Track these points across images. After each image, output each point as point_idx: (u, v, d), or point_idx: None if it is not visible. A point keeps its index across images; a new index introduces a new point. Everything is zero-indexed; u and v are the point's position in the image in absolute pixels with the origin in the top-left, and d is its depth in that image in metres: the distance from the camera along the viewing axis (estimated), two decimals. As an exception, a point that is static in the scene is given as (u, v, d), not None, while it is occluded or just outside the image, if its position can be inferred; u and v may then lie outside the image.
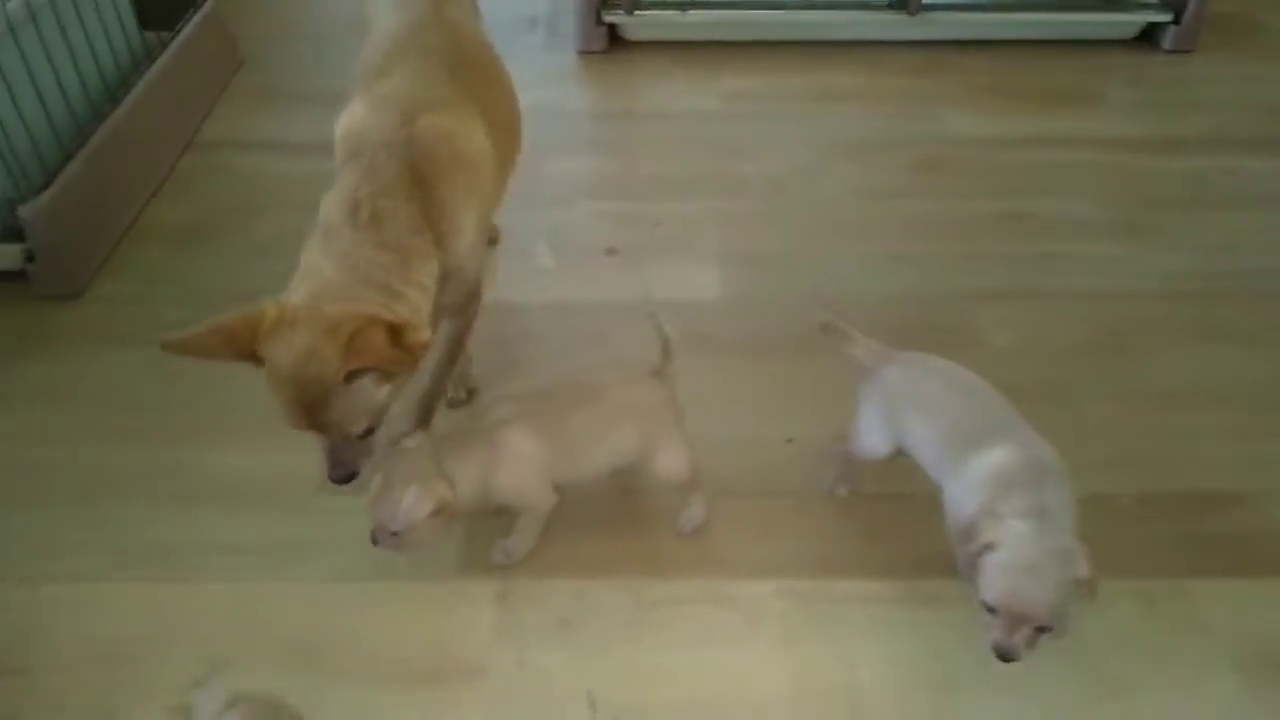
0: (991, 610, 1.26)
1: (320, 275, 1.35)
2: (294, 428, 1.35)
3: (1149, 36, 3.09)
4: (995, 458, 1.37)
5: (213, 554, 1.64)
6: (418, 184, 1.42)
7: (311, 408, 1.32)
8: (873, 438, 1.56)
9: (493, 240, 2.18)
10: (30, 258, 2.15)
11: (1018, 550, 1.25)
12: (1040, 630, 1.25)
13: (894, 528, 1.66)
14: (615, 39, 3.09)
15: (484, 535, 1.62)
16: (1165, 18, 3.02)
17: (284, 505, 1.70)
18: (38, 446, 1.87)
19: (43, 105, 2.20)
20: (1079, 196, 2.48)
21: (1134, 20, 3.08)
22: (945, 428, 1.47)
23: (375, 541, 1.44)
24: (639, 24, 3.07)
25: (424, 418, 1.74)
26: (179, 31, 2.70)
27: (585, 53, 3.08)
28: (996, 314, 2.11)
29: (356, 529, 1.47)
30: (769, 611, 1.54)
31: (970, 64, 3.03)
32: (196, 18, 2.78)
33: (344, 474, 1.41)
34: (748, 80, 2.97)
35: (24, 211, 2.08)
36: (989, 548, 1.26)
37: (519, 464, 1.48)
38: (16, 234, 2.13)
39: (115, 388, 1.97)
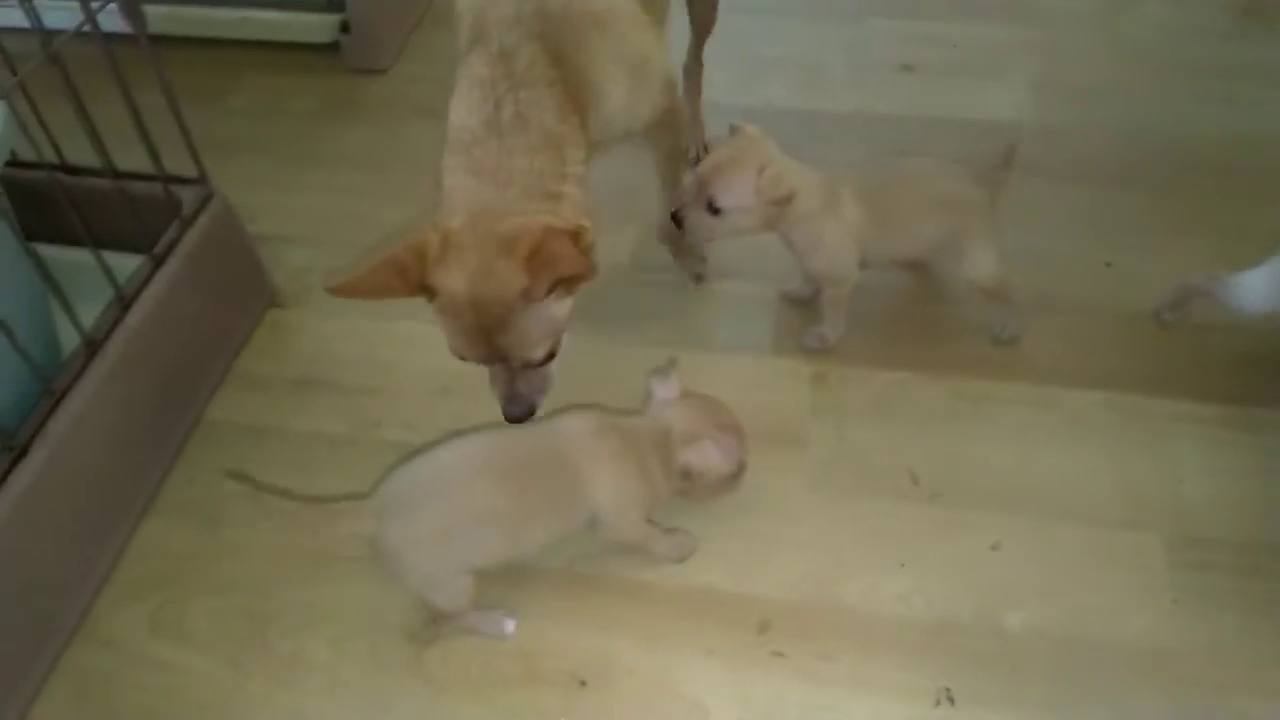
0: None
1: (475, 195, 1.20)
2: (471, 359, 1.23)
3: None
4: None
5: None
6: (555, 62, 1.25)
7: (492, 332, 1.18)
8: (1264, 293, 1.45)
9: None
10: (345, 28, 2.25)
11: None
12: None
13: (1220, 357, 1.63)
14: None
15: (790, 324, 1.67)
16: None
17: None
18: (352, 200, 1.99)
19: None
20: None
21: None
22: None
23: (678, 221, 1.47)
24: None
25: (671, 233, 1.64)
26: None
27: None
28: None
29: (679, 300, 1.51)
30: (1093, 419, 1.54)
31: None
32: None
33: (523, 409, 1.27)
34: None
35: (349, -20, 2.16)
36: None
37: (841, 225, 1.50)
38: (337, 5, 2.22)
39: (424, 155, 2.07)
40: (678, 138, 1.57)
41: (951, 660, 1.28)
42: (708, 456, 1.27)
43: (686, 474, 1.28)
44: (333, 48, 2.29)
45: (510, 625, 1.32)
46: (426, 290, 1.18)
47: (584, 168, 1.28)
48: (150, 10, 2.15)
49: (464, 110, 1.24)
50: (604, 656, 1.30)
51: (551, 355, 1.25)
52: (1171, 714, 1.23)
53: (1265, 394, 1.57)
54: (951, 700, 1.25)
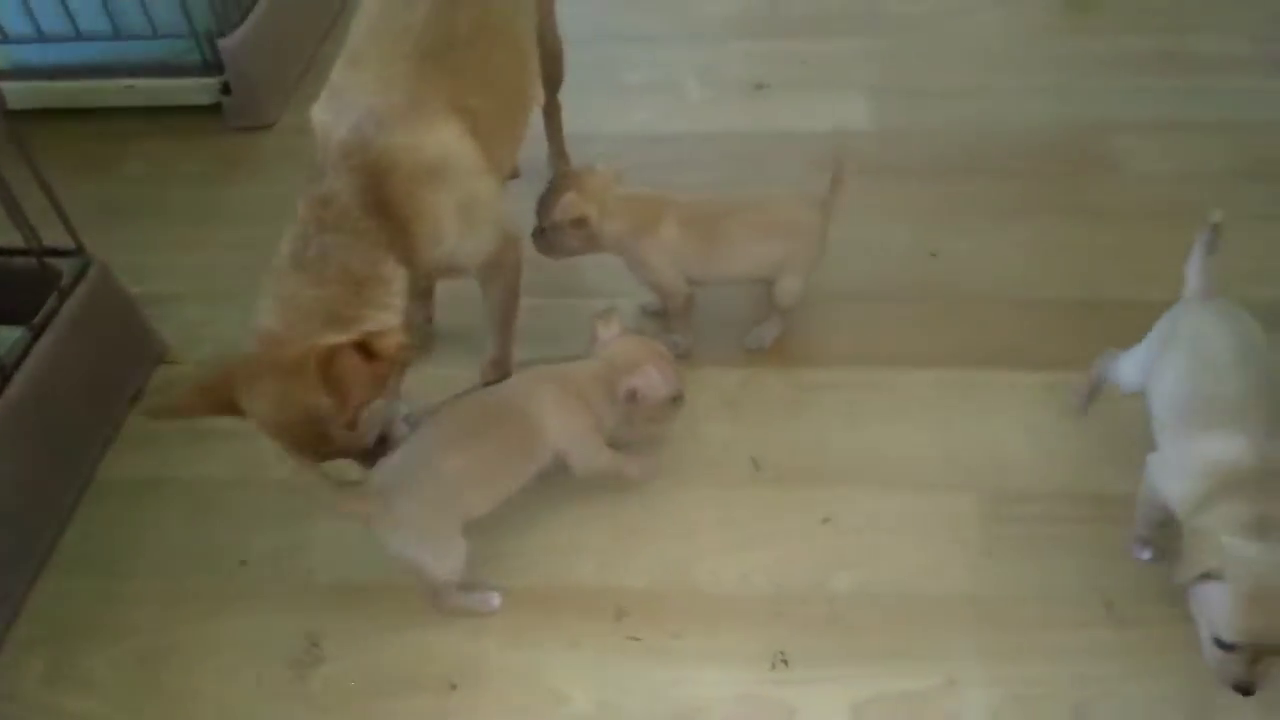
0: (1229, 647, 1.12)
1: (270, 323, 1.28)
2: (308, 463, 1.29)
3: None
4: (1228, 450, 1.18)
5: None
6: (373, 212, 1.30)
7: (315, 444, 1.27)
8: (1130, 369, 1.44)
9: (513, 175, 2.05)
10: (226, 90, 2.36)
11: (1255, 579, 1.09)
12: None
13: (1037, 328, 1.78)
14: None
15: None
16: None
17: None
18: (244, 254, 2.08)
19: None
20: (1230, 32, 2.45)
21: None
22: (1194, 390, 1.28)
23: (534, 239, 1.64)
24: None
25: (500, 378, 1.63)
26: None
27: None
28: (1138, 142, 2.16)
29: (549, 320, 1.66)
30: (919, 397, 1.69)
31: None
32: None
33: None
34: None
35: (224, 43, 2.28)
36: (1212, 576, 1.11)
37: (658, 246, 1.65)
38: (215, 69, 2.33)
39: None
40: (509, 281, 1.59)
41: (787, 627, 1.42)
42: (649, 379, 1.45)
43: (631, 397, 1.45)
44: (218, 109, 2.40)
45: (496, 599, 1.46)
46: (236, 411, 1.26)
47: (401, 300, 1.34)
48: (36, 85, 2.29)
49: (285, 243, 1.31)
50: (473, 659, 1.41)
51: (384, 437, 1.36)
52: (983, 653, 1.37)
53: (1080, 357, 1.72)
54: (786, 662, 1.38)
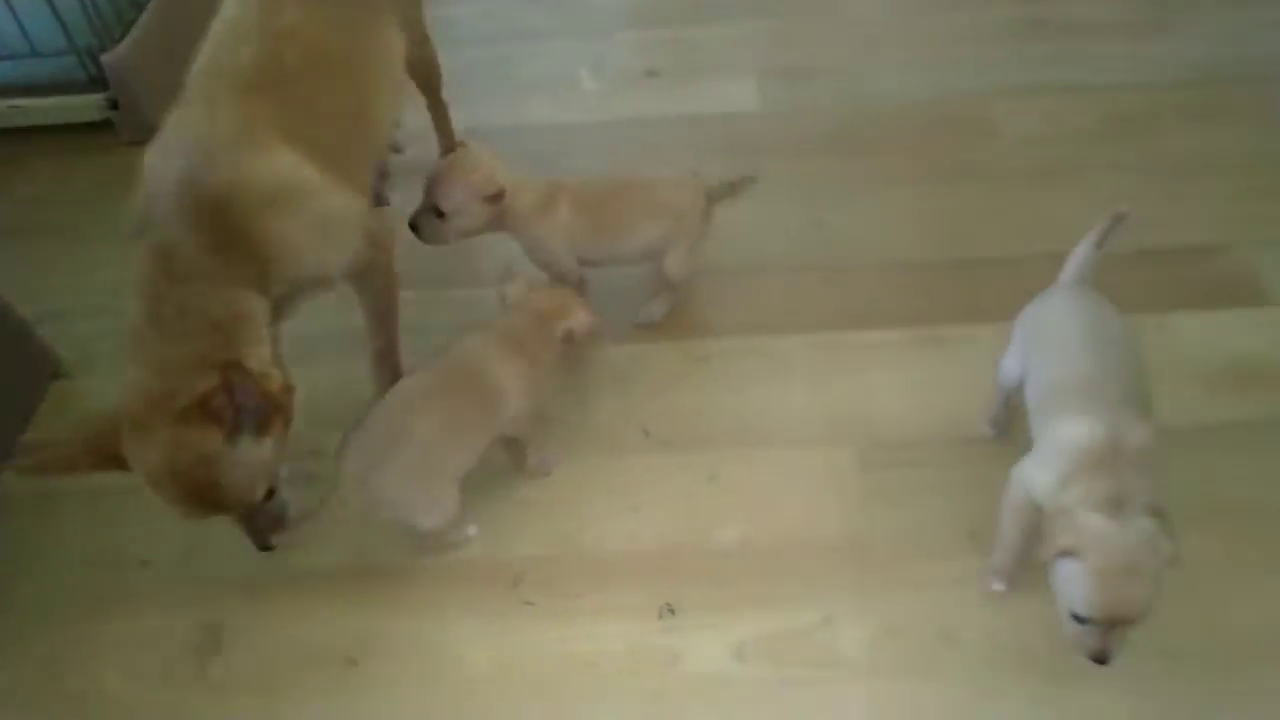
0: (1083, 620, 1.16)
1: (145, 385, 1.26)
2: (195, 518, 1.29)
3: None
4: (1080, 431, 1.21)
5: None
6: (218, 249, 1.28)
7: (204, 493, 1.26)
8: (1008, 364, 1.46)
9: (396, 149, 2.18)
10: (114, 105, 2.37)
11: (1109, 556, 1.13)
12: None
13: (906, 289, 1.87)
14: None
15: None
16: None
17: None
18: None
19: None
20: (1091, 1, 2.57)
21: None
22: (1054, 379, 1.32)
23: (416, 227, 1.64)
24: None
25: (390, 375, 1.65)
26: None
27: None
28: (1012, 107, 2.25)
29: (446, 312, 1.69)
30: (798, 359, 1.76)
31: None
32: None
33: (270, 540, 1.38)
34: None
35: (107, 59, 2.28)
36: (1069, 553, 1.15)
37: (555, 227, 1.70)
38: (100, 84, 2.34)
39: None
40: (385, 283, 1.61)
41: (673, 579, 1.48)
42: (580, 319, 1.54)
43: (569, 338, 1.53)
44: (110, 124, 2.41)
45: (473, 530, 1.55)
46: (120, 463, 1.26)
47: (263, 331, 1.33)
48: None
49: (135, 301, 1.29)
50: (373, 634, 1.46)
51: (272, 493, 1.35)
52: (857, 590, 1.45)
53: (952, 312, 1.81)
54: (673, 612, 1.44)
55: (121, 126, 2.38)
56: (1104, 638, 1.15)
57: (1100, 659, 1.17)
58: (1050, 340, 1.36)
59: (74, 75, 2.32)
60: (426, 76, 1.99)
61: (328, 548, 1.54)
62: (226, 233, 1.28)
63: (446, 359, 1.51)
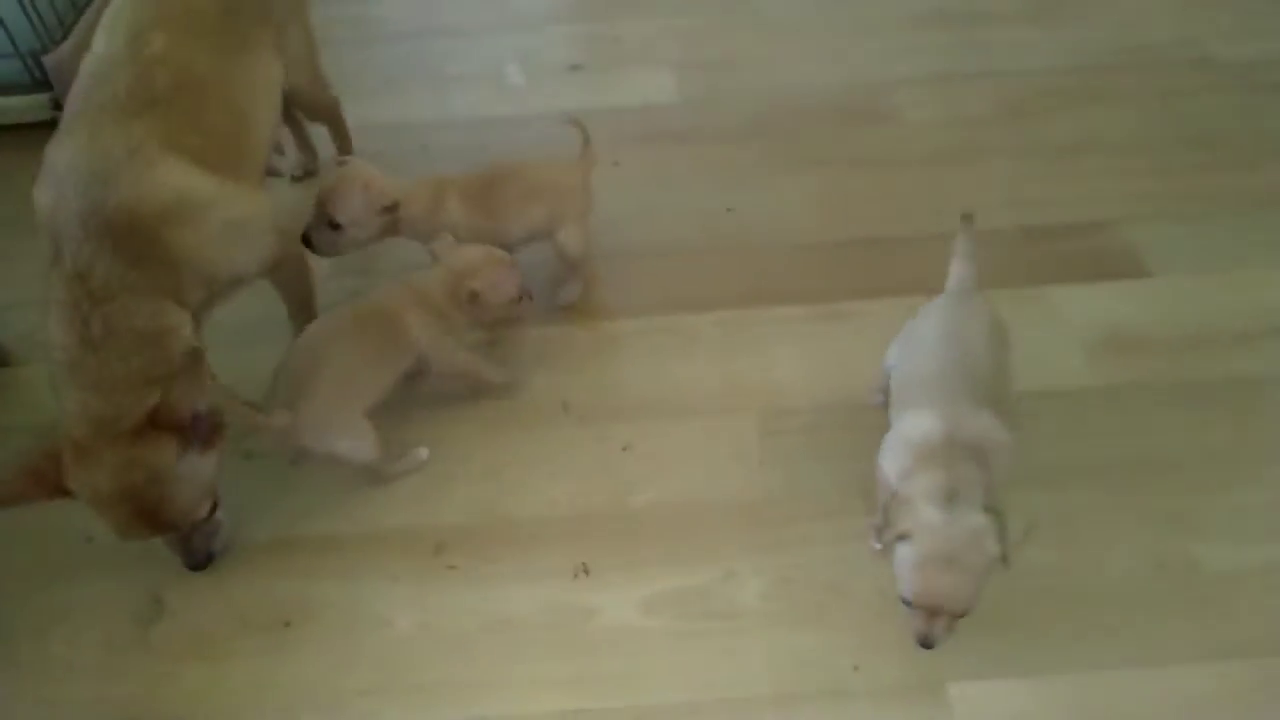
0: (908, 603, 1.23)
1: (91, 408, 1.32)
2: (137, 539, 1.36)
3: None
4: (920, 425, 1.30)
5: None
6: (133, 264, 1.34)
7: (153, 512, 1.33)
8: (890, 352, 1.56)
9: (310, 173, 2.23)
10: (57, 105, 2.43)
11: (931, 544, 1.19)
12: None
13: (813, 265, 2.00)
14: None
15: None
16: None
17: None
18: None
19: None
20: (996, -10, 2.72)
21: None
22: (908, 374, 1.43)
23: (310, 241, 1.72)
24: None
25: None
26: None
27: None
28: (915, 95, 2.39)
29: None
30: (706, 335, 1.88)
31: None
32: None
33: (203, 559, 1.49)
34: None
35: (49, 60, 2.35)
36: (903, 537, 1.22)
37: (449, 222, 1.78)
38: (44, 85, 2.40)
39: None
40: (299, 270, 1.70)
41: (588, 542, 1.59)
42: (488, 279, 1.64)
43: (474, 298, 1.63)
44: (53, 123, 2.46)
45: (424, 452, 1.70)
46: (65, 493, 1.32)
47: (193, 335, 1.41)
48: None
49: (60, 332, 1.34)
50: (304, 599, 1.56)
51: (215, 508, 1.44)
52: (756, 548, 1.57)
53: (847, 290, 1.93)
54: (587, 572, 1.56)
55: (62, 126, 2.43)
56: (927, 623, 1.22)
57: (925, 644, 1.23)
58: (913, 339, 1.48)
59: (18, 78, 2.38)
60: (327, 116, 2.09)
61: (261, 520, 1.62)
62: (138, 246, 1.35)
63: (363, 302, 1.64)
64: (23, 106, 2.42)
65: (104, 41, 1.51)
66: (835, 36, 2.62)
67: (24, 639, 1.54)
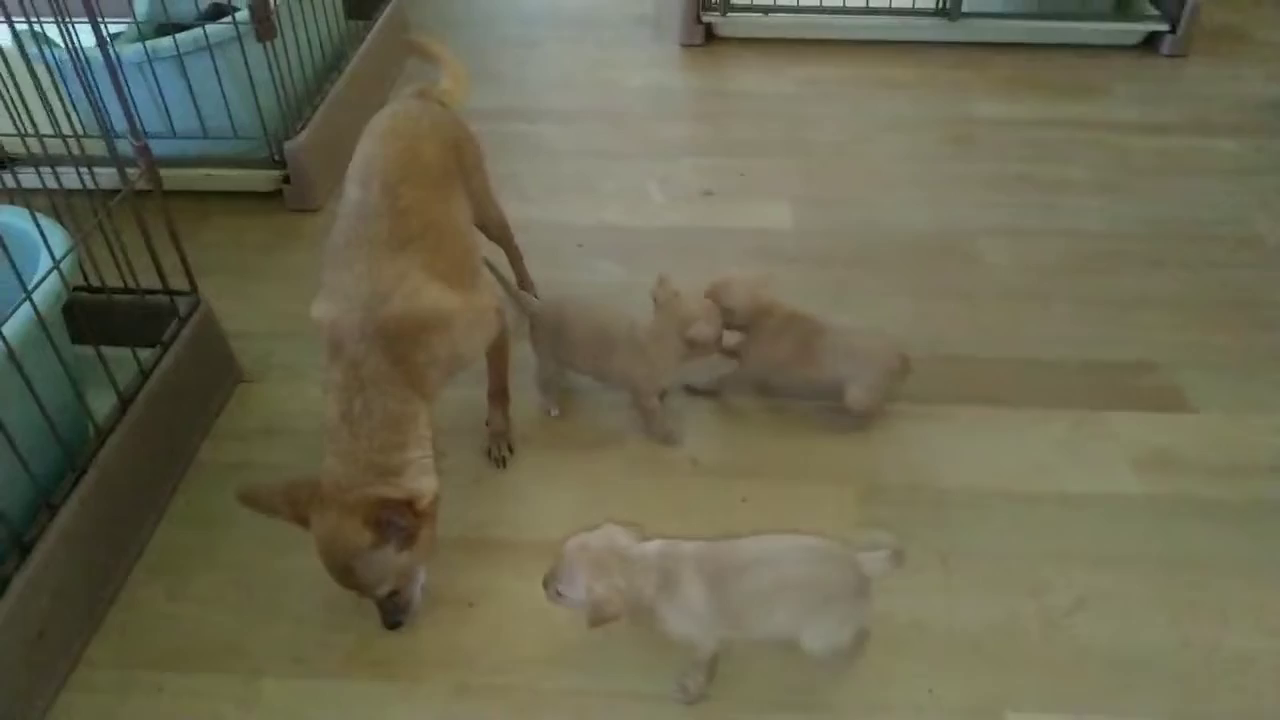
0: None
1: (336, 472, 1.64)
2: (340, 586, 1.67)
3: (1150, 43, 3.77)
4: None
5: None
6: (395, 363, 1.67)
7: (344, 573, 1.63)
8: None
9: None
10: (286, 180, 2.97)
11: None
12: None
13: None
14: (710, 35, 3.89)
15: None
16: (1164, 27, 3.70)
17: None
18: (297, 304, 2.63)
19: (302, 69, 3.01)
20: (1072, 164, 3.16)
21: (1137, 29, 3.76)
22: None
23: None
24: (730, 23, 3.86)
25: (501, 403, 2.17)
26: (375, 19, 3.52)
27: (686, 45, 3.88)
28: (995, 243, 2.82)
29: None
30: (812, 418, 2.27)
31: (1000, 61, 3.73)
32: (388, 9, 3.60)
33: (392, 623, 1.77)
34: (816, 70, 3.73)
35: (289, 145, 2.90)
36: None
37: None
38: (279, 164, 2.94)
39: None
40: (501, 342, 2.05)
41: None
42: (701, 331, 2.04)
43: (692, 343, 2.04)
44: (278, 194, 3.00)
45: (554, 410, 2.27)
46: (305, 522, 1.64)
47: (429, 430, 1.73)
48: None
49: (332, 409, 1.68)
50: (487, 586, 1.93)
51: (396, 592, 1.71)
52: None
53: (930, 396, 2.32)
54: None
55: (290, 197, 2.98)
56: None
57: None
58: None
59: (259, 155, 2.93)
60: (499, 233, 2.47)
61: (450, 524, 2.00)
62: (402, 349, 1.70)
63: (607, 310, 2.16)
64: (260, 178, 2.97)
65: (359, 191, 1.84)
66: (931, 187, 3.07)
67: (270, 595, 1.93)
